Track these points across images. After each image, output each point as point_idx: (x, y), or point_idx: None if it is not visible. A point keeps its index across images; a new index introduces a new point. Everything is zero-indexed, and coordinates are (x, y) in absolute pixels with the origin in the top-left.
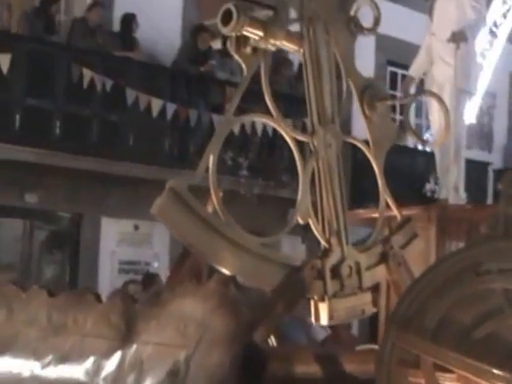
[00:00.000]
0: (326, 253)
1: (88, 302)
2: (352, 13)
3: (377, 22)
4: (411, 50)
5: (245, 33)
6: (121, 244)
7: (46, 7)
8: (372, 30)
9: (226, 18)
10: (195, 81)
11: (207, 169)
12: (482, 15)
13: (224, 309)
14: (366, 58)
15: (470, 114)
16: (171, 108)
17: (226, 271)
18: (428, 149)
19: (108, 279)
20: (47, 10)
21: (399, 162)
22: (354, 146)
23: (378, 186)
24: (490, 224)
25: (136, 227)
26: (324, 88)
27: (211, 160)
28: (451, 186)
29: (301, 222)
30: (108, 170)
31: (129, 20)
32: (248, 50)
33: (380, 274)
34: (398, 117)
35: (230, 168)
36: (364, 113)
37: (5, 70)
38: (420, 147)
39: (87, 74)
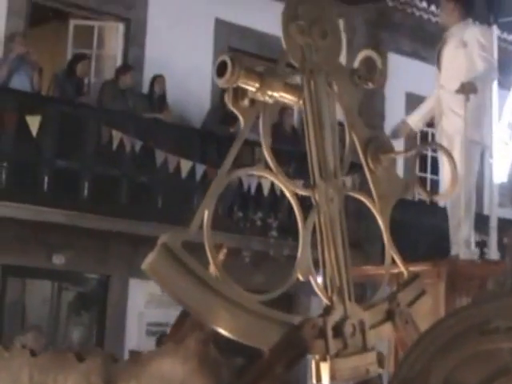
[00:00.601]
0: (328, 310)
1: (69, 362)
2: (356, 64)
3: (381, 73)
4: None
5: (241, 84)
6: (149, 305)
7: (74, 68)
8: (378, 82)
9: (222, 69)
10: (224, 142)
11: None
12: (492, 65)
13: (204, 370)
14: (397, 118)
15: (502, 172)
16: (200, 169)
17: (222, 331)
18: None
19: (135, 341)
20: (76, 72)
21: (428, 221)
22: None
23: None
24: (498, 280)
25: None
26: (325, 141)
27: (206, 215)
28: (462, 242)
29: (301, 278)
30: (137, 231)
31: (158, 82)
32: (246, 102)
33: (386, 332)
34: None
35: (259, 229)
36: (368, 166)
37: (34, 131)
38: None
39: (117, 135)
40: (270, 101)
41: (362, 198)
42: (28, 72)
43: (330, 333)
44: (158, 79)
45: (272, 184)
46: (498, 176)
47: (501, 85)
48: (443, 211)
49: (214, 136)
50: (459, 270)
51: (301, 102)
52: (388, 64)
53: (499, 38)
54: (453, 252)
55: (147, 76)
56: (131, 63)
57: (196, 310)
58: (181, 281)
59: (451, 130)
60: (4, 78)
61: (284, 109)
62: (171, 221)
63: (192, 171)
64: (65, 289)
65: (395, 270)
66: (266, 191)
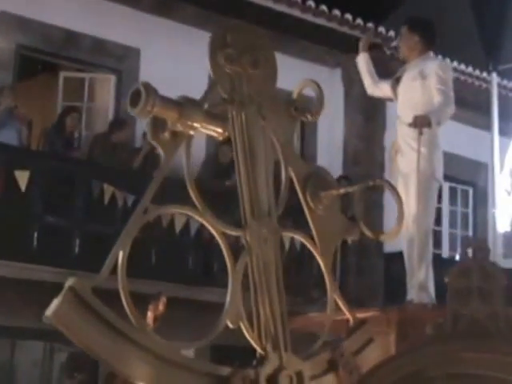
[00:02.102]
0: (261, 361)
1: None
2: (294, 96)
3: (320, 105)
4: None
5: (157, 114)
6: None
7: (64, 121)
8: (316, 113)
9: (136, 99)
10: (219, 196)
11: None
12: (449, 100)
13: None
14: None
15: (506, 221)
16: (195, 224)
17: (141, 382)
18: None
19: None
20: (66, 126)
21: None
22: None
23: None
24: (437, 324)
25: None
26: (258, 178)
27: (121, 256)
28: (417, 286)
29: (230, 326)
30: (130, 289)
31: None
32: (166, 134)
33: None
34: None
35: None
36: (307, 205)
37: (23, 187)
38: (457, 258)
39: (108, 189)
40: (191, 133)
41: (302, 239)
42: (16, 126)
43: None
44: None
45: None
46: (502, 225)
47: (502, 132)
48: (448, 263)
49: (208, 190)
50: (410, 316)
51: (226, 133)
52: (386, 114)
53: (499, 85)
54: (408, 297)
55: (140, 129)
56: (123, 116)
57: (110, 361)
58: (91, 329)
59: (407, 168)
60: None
61: None
62: (166, 278)
63: (186, 226)
64: (57, 349)
65: (340, 317)
66: None
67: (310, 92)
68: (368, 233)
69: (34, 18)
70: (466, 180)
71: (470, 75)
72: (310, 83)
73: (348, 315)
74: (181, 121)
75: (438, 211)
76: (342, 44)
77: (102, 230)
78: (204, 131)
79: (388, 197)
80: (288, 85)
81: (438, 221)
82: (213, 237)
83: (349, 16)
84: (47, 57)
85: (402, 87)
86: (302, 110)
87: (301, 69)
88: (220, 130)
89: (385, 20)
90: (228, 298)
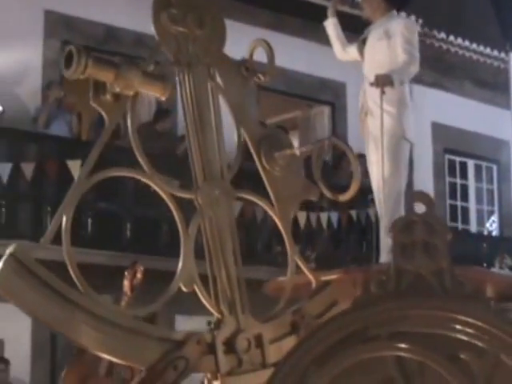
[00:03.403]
0: (218, 324)
1: None
2: (247, 56)
3: (272, 65)
4: (467, 137)
5: (93, 76)
6: None
7: None
8: (267, 73)
9: (70, 61)
10: (260, 178)
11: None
12: (414, 59)
13: None
14: (424, 147)
15: None
16: (238, 205)
17: (89, 348)
18: (493, 232)
19: None
20: None
21: (462, 248)
22: None
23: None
24: (380, 282)
25: (209, 323)
26: (208, 140)
27: (64, 221)
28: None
29: (184, 289)
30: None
31: None
32: (108, 97)
33: (290, 347)
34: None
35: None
36: (262, 166)
37: (75, 175)
38: (485, 232)
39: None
40: (130, 93)
41: (257, 201)
42: (66, 117)
43: (220, 348)
44: None
45: (308, 217)
46: None
47: None
48: (476, 238)
49: (246, 173)
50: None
51: (167, 93)
52: (412, 95)
53: None
54: (381, 259)
55: (182, 118)
56: (166, 106)
57: (56, 327)
58: (36, 295)
59: (377, 129)
60: (43, 125)
61: None
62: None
63: None
64: None
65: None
66: (302, 224)
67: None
68: (327, 193)
69: (78, 15)
70: (490, 157)
71: (488, 56)
72: (262, 43)
73: (310, 277)
74: (118, 82)
75: (465, 188)
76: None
77: (150, 215)
78: (145, 91)
79: (417, 175)
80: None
81: (464, 197)
82: (254, 217)
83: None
84: (95, 52)
85: (367, 48)
86: (253, 71)
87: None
88: (161, 91)
89: (405, 6)
90: (180, 262)
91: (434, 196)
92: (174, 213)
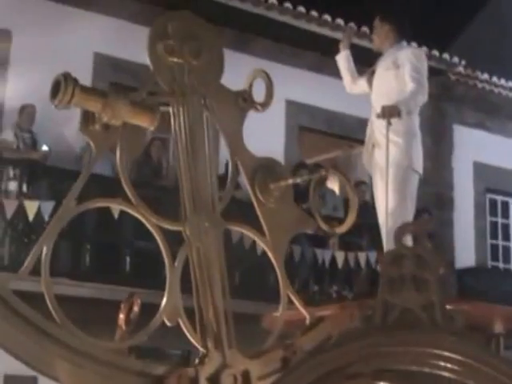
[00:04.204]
0: (202, 359)
1: None
2: (246, 86)
3: (270, 95)
4: (509, 176)
5: (80, 105)
6: None
7: (150, 151)
8: (265, 104)
9: (57, 90)
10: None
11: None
12: (422, 87)
13: None
14: (465, 187)
15: None
16: None
17: (64, 383)
18: None
19: None
20: (152, 156)
21: (504, 287)
22: None
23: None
24: (365, 315)
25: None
26: (199, 171)
27: (44, 251)
28: None
29: (168, 323)
30: None
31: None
32: (97, 127)
33: None
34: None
35: (335, 301)
36: (256, 198)
37: (115, 214)
38: None
39: None
40: (117, 123)
41: (249, 233)
42: (109, 157)
43: None
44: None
45: (346, 257)
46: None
47: None
48: None
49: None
50: None
51: (156, 124)
52: (454, 136)
53: None
54: None
55: (222, 157)
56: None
57: (31, 361)
58: (10, 328)
59: (384, 161)
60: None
61: None
62: (248, 296)
63: None
64: None
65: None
66: (340, 264)
67: None
68: (323, 225)
69: (125, 57)
70: None
71: None
72: (261, 73)
73: (304, 312)
74: (105, 111)
75: (506, 227)
76: None
77: (149, 247)
78: (133, 122)
79: (458, 214)
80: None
81: (506, 236)
82: (292, 256)
83: (414, 44)
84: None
85: (375, 78)
86: (250, 101)
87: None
88: (148, 122)
89: (449, 47)
90: (166, 294)
91: (475, 235)
92: (160, 244)
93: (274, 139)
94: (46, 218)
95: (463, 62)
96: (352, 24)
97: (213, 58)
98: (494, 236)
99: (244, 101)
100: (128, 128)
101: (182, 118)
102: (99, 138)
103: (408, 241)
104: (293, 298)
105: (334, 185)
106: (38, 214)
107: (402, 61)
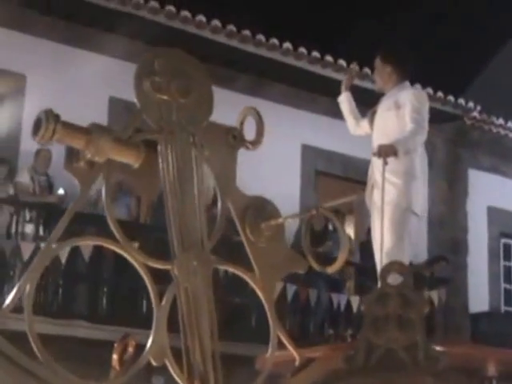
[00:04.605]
0: None
1: None
2: (236, 125)
3: (260, 132)
4: None
5: (62, 142)
6: None
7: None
8: (256, 142)
9: (38, 127)
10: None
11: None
12: (421, 128)
13: None
14: (479, 231)
15: None
16: (291, 289)
17: None
18: None
19: None
20: None
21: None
22: None
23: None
24: (347, 356)
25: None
26: (188, 209)
27: (27, 290)
28: None
29: (154, 363)
30: (233, 351)
31: None
32: (82, 164)
33: None
34: None
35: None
36: (246, 238)
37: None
38: None
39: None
40: (100, 160)
41: (238, 272)
42: (126, 200)
43: None
44: None
45: (361, 301)
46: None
47: None
48: None
49: (302, 256)
50: None
51: (140, 160)
52: (469, 180)
53: None
54: None
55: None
56: None
57: None
58: None
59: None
60: (103, 208)
61: None
62: (265, 341)
63: (283, 291)
64: None
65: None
66: (355, 308)
67: None
68: (315, 265)
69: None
70: None
71: None
72: (251, 111)
73: (294, 353)
74: (88, 148)
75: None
76: None
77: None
78: (118, 159)
79: (472, 258)
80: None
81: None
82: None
83: (430, 90)
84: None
85: (377, 119)
86: (241, 139)
87: None
88: (134, 158)
89: (464, 92)
90: (152, 334)
91: (489, 279)
92: (147, 283)
93: (290, 183)
94: (63, 261)
95: (478, 107)
96: (355, 65)
97: (202, 95)
98: (508, 280)
99: (234, 138)
100: (140, 171)
101: (169, 156)
102: (83, 175)
103: (395, 280)
104: (283, 338)
105: (349, 229)
106: (55, 256)
107: (404, 101)
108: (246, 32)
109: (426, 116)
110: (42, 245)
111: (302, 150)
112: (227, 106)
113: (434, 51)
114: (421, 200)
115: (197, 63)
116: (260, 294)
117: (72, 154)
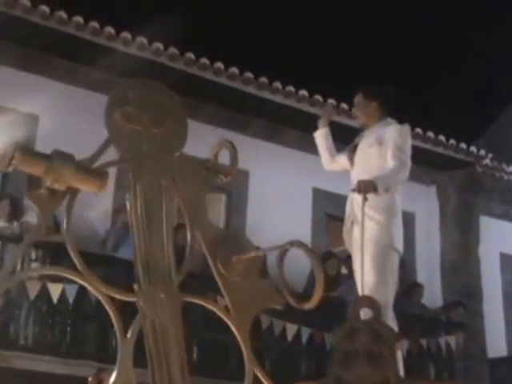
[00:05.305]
0: None
1: None
2: (211, 156)
3: (234, 165)
4: None
5: (22, 168)
6: None
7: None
8: (228, 174)
9: None
10: (328, 305)
11: None
12: (403, 165)
13: None
14: (492, 278)
15: None
16: (306, 332)
17: None
18: None
19: None
20: (177, 241)
21: None
22: None
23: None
24: None
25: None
26: (154, 241)
27: None
28: None
29: None
30: None
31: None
32: (43, 191)
33: None
34: None
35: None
36: (218, 271)
37: None
38: None
39: (221, 301)
40: (61, 188)
41: (212, 307)
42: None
43: None
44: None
45: None
46: None
47: None
48: None
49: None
50: None
51: (104, 189)
52: (480, 227)
53: None
54: None
55: (250, 221)
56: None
57: None
58: None
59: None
60: (112, 248)
61: None
62: (281, 383)
63: (298, 335)
64: None
65: None
66: None
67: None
68: (291, 301)
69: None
70: None
71: None
72: (226, 144)
73: None
74: (49, 176)
75: None
76: (436, 162)
77: (219, 339)
78: (80, 187)
79: (487, 304)
80: None
81: None
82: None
83: (442, 137)
84: None
85: (358, 154)
86: (214, 171)
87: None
88: (96, 186)
89: (476, 140)
90: (116, 369)
91: (506, 325)
92: (111, 314)
93: (301, 227)
94: (71, 300)
95: (490, 155)
96: (331, 100)
97: (176, 126)
98: None
99: (207, 170)
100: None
101: (137, 186)
102: (44, 202)
103: (366, 314)
104: (259, 375)
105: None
106: (63, 295)
107: (387, 138)
108: (263, 79)
109: (408, 152)
110: (49, 284)
111: (313, 194)
112: (241, 150)
113: (448, 100)
114: (401, 236)
115: (172, 94)
116: (233, 329)
117: (33, 181)
